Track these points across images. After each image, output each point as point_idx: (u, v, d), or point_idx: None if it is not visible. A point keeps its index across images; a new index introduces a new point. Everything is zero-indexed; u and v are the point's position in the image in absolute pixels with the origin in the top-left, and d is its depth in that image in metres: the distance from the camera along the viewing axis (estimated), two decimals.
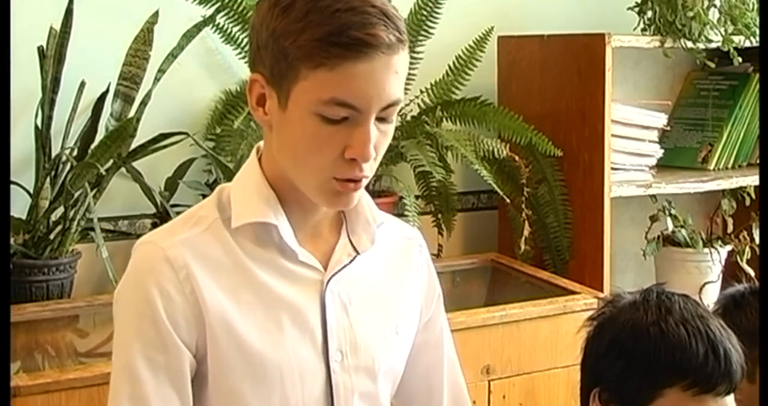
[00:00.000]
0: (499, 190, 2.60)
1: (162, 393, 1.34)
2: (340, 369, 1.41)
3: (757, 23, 2.82)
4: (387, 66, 1.29)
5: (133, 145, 2.35)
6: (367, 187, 1.40)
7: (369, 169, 1.33)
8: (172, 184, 2.49)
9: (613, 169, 2.72)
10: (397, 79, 1.31)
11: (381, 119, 1.32)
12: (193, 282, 1.34)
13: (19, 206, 2.31)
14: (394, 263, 1.52)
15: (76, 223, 2.31)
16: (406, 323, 1.51)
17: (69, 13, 2.29)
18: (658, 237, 2.97)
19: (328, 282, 1.41)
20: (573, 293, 2.50)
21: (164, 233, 1.40)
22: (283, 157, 1.36)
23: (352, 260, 1.43)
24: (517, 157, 2.67)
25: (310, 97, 1.29)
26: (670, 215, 2.95)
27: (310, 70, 1.28)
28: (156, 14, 2.34)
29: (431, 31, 2.67)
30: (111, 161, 2.30)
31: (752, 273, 2.98)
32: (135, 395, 1.33)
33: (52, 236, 2.32)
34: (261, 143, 1.45)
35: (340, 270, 1.42)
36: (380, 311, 1.47)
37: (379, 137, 1.32)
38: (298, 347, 1.38)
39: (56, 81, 2.32)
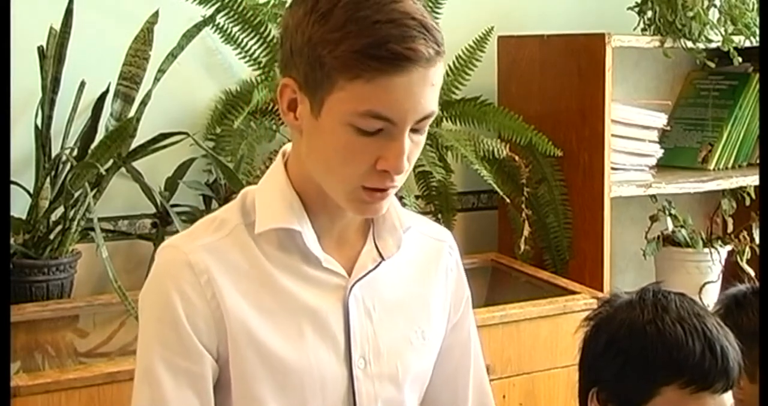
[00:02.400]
0: (499, 191, 2.60)
1: (182, 397, 1.34)
2: (363, 376, 1.40)
3: (757, 23, 2.82)
4: (424, 79, 1.28)
5: (133, 145, 2.35)
6: None
7: (400, 179, 1.32)
8: (172, 185, 2.49)
9: (613, 169, 2.72)
10: (433, 91, 1.30)
11: (414, 130, 1.31)
12: (215, 287, 1.34)
13: (19, 206, 2.31)
14: (422, 267, 1.50)
15: (76, 223, 2.31)
16: (433, 328, 1.50)
17: (69, 13, 2.29)
18: (658, 237, 2.97)
19: (351, 288, 1.40)
20: (573, 293, 2.50)
21: (186, 238, 1.40)
22: (313, 163, 1.35)
23: (377, 266, 1.42)
24: (517, 157, 2.67)
25: (345, 108, 1.27)
26: (670, 215, 2.95)
27: (347, 81, 1.26)
28: (156, 14, 2.34)
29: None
30: (111, 161, 2.30)
31: (752, 273, 2.98)
32: (155, 398, 1.33)
33: (52, 236, 2.32)
34: (286, 147, 1.43)
35: (364, 276, 1.41)
36: (406, 317, 1.46)
37: (412, 148, 1.31)
38: (320, 354, 1.38)
39: (56, 81, 2.32)
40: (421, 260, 1.51)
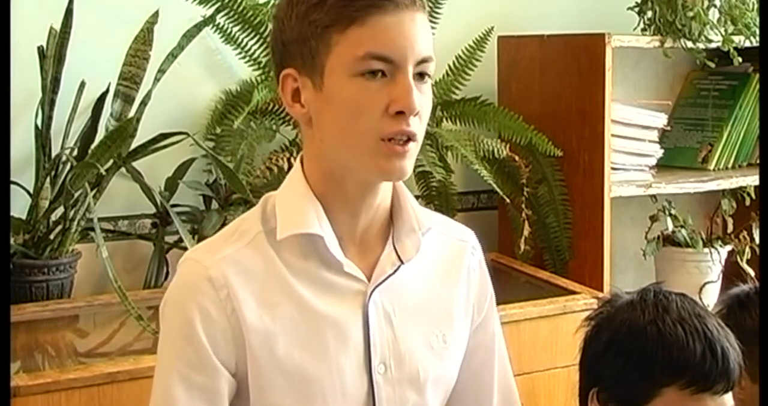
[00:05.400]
0: (499, 191, 2.60)
1: None
2: (384, 381, 1.40)
3: (757, 23, 2.82)
4: (413, 20, 1.32)
5: (133, 145, 2.35)
6: None
7: (416, 126, 1.33)
8: (172, 185, 2.49)
9: (613, 169, 2.72)
10: (426, 36, 1.34)
11: (418, 78, 1.33)
12: (234, 302, 1.34)
13: (19, 206, 2.31)
14: (444, 269, 1.50)
15: (76, 223, 2.31)
16: (455, 332, 1.49)
17: (69, 13, 2.29)
18: (658, 237, 2.97)
19: (371, 293, 1.40)
20: (573, 293, 2.49)
21: (207, 250, 1.40)
22: (330, 139, 1.35)
23: (396, 270, 1.42)
24: (517, 157, 2.67)
25: (345, 60, 1.30)
26: (670, 215, 2.95)
27: (341, 33, 1.30)
28: (156, 14, 2.34)
29: (431, 31, 2.67)
30: (111, 161, 2.30)
31: (752, 273, 2.98)
32: None
33: (52, 236, 2.32)
34: (303, 153, 1.44)
35: (383, 281, 1.41)
36: (427, 321, 1.45)
37: (420, 97, 1.33)
38: (341, 361, 1.38)
39: (56, 81, 2.32)
40: (443, 262, 1.50)
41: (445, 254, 1.51)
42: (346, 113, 1.32)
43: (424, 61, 1.33)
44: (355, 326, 1.39)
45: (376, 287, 1.40)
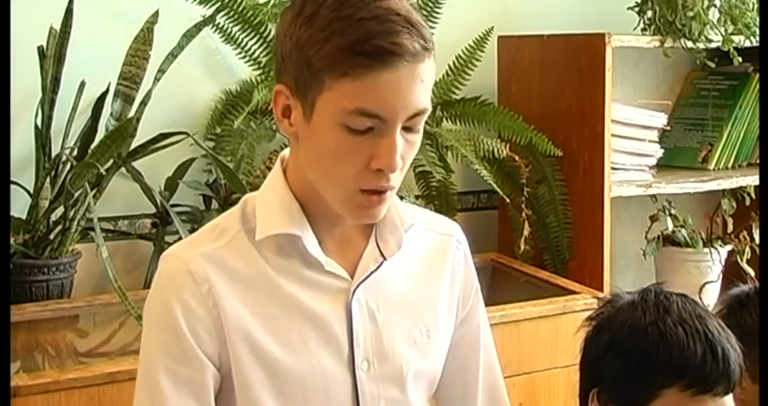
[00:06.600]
0: (499, 191, 2.61)
1: (183, 405, 1.34)
2: (367, 378, 1.40)
3: (757, 23, 2.82)
4: (412, 75, 1.27)
5: (133, 145, 2.35)
6: None
7: (395, 179, 1.32)
8: (172, 184, 2.49)
9: (613, 169, 2.72)
10: (423, 87, 1.29)
11: (407, 129, 1.30)
12: (216, 296, 1.34)
13: (19, 206, 2.31)
14: (427, 264, 1.50)
15: (76, 223, 2.31)
16: (439, 327, 1.49)
17: (69, 13, 2.29)
18: (658, 237, 2.97)
19: (354, 290, 1.40)
20: (573, 293, 2.50)
21: (188, 246, 1.40)
22: (310, 168, 1.35)
23: (378, 267, 1.42)
24: (517, 157, 2.67)
25: (335, 107, 1.27)
26: (670, 214, 2.95)
27: (335, 79, 1.26)
28: (156, 14, 2.34)
29: (431, 31, 2.67)
30: (111, 161, 2.30)
31: (752, 273, 2.98)
32: None
33: (52, 236, 2.32)
34: (284, 153, 1.43)
35: (366, 277, 1.41)
36: (411, 316, 1.46)
37: (405, 147, 1.30)
38: (323, 359, 1.38)
39: (56, 81, 2.32)
40: (427, 258, 1.50)
41: (429, 249, 1.51)
42: (327, 157, 1.31)
43: (417, 114, 1.29)
44: (338, 323, 1.39)
45: (359, 284, 1.41)
